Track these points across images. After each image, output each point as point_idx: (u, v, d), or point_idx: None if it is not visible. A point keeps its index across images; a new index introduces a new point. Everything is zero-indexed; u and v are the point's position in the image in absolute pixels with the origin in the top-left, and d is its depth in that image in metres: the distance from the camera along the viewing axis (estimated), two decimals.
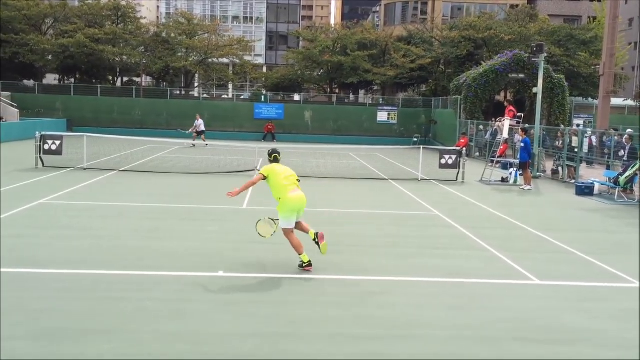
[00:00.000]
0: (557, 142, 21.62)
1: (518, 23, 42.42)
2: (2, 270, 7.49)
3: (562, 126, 25.97)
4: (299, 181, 8.43)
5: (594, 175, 19.80)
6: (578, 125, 31.09)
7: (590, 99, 40.75)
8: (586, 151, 20.59)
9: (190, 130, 31.57)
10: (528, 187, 18.22)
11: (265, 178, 8.11)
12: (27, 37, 40.10)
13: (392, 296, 7.25)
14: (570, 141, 20.69)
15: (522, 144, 18.63)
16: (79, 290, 6.93)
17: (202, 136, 31.16)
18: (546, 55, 23.56)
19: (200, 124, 31.65)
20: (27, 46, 40.16)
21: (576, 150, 20.19)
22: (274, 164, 8.35)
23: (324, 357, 5.39)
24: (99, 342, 5.44)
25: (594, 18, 44.84)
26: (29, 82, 43.45)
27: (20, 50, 40.35)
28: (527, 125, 21.73)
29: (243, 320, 6.20)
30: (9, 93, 37.15)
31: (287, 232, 8.14)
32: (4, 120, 31.04)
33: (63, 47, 40.28)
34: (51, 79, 47.39)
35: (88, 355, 5.18)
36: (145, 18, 48.33)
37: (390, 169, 22.84)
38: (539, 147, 22.06)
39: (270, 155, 8.47)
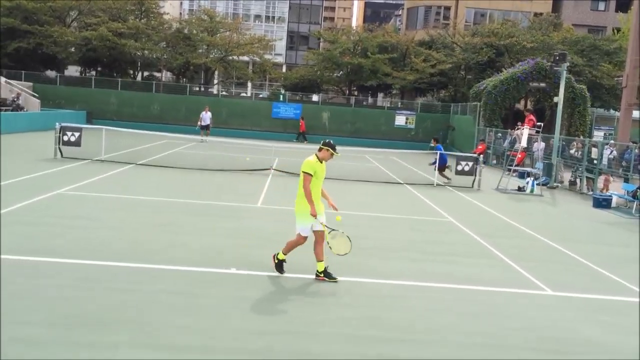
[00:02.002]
0: (576, 153, 21.41)
1: (541, 31, 42.04)
2: (19, 258, 7.61)
3: (581, 137, 25.71)
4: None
5: (613, 187, 19.58)
6: (605, 139, 30.59)
7: (611, 111, 40.29)
8: (605, 163, 20.38)
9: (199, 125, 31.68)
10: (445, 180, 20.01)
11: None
12: (51, 29, 40.59)
13: (405, 300, 7.23)
14: (590, 152, 20.48)
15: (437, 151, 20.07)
16: (94, 280, 7.00)
17: (205, 131, 31.17)
18: (568, 64, 23.35)
19: (205, 117, 31.40)
20: (50, 37, 40.65)
21: (595, 161, 19.99)
22: (320, 163, 7.51)
23: (335, 357, 5.39)
24: (113, 332, 5.50)
25: (619, 29, 44.33)
26: (51, 73, 43.95)
27: (43, 42, 40.86)
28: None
29: (255, 317, 6.22)
30: (30, 83, 37.64)
31: (323, 235, 7.56)
32: (25, 110, 31.44)
33: (86, 39, 40.73)
34: (73, 70, 47.88)
35: (102, 344, 5.23)
36: (168, 14, 48.63)
37: (405, 173, 22.79)
38: (558, 157, 21.87)
39: (332, 147, 7.50)
